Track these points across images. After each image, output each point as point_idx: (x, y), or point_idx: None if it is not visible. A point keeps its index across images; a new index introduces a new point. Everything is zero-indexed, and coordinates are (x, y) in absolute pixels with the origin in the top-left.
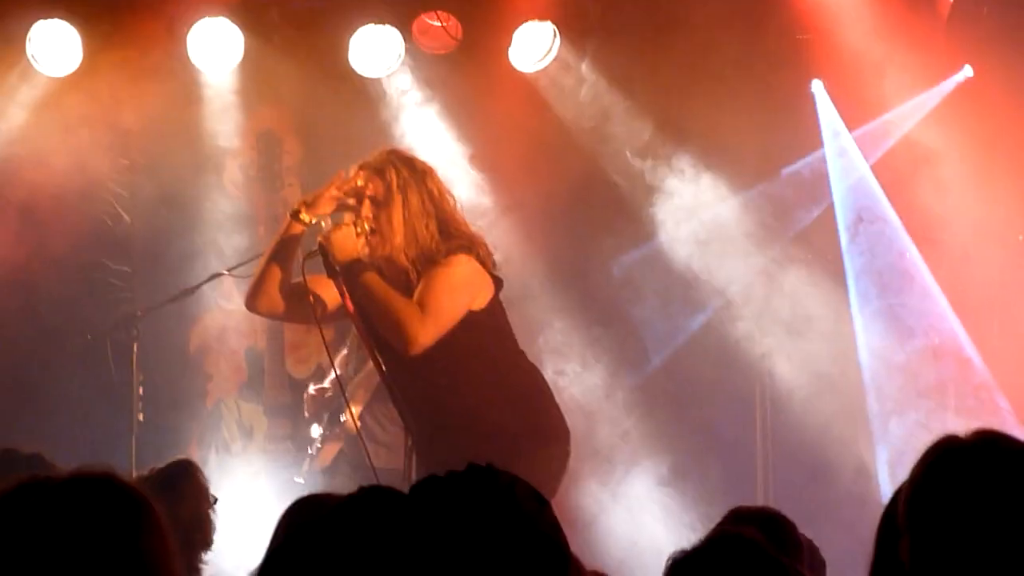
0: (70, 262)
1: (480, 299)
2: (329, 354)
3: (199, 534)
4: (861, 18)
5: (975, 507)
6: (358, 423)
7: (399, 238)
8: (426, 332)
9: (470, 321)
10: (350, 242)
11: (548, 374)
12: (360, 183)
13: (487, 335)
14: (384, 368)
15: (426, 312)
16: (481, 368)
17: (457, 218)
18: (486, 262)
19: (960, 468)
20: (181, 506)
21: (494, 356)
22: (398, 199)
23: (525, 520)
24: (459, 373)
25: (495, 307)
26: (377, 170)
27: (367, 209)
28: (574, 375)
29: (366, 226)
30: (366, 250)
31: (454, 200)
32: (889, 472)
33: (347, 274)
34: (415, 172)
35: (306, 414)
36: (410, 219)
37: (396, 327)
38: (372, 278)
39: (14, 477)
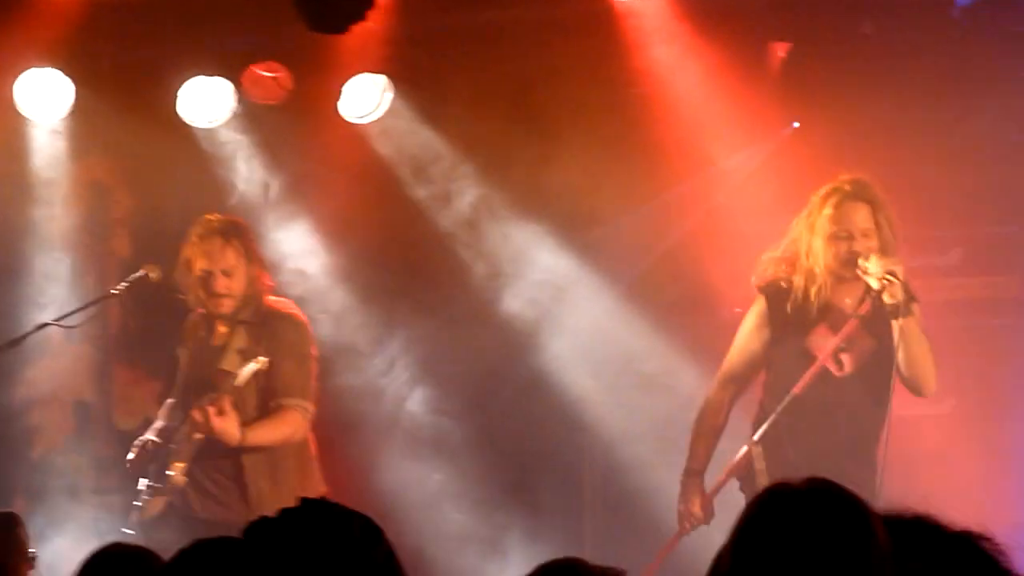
0: None
1: None
2: None
3: None
4: (694, 72)
5: (798, 551)
6: (185, 476)
7: None
8: None
9: None
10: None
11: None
12: None
13: None
14: None
15: None
16: None
17: None
18: None
19: (786, 513)
20: None
21: None
22: None
23: (361, 549)
24: None
25: None
26: None
27: None
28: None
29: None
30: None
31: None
32: None
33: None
34: None
35: (128, 466)
36: None
37: None
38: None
39: None
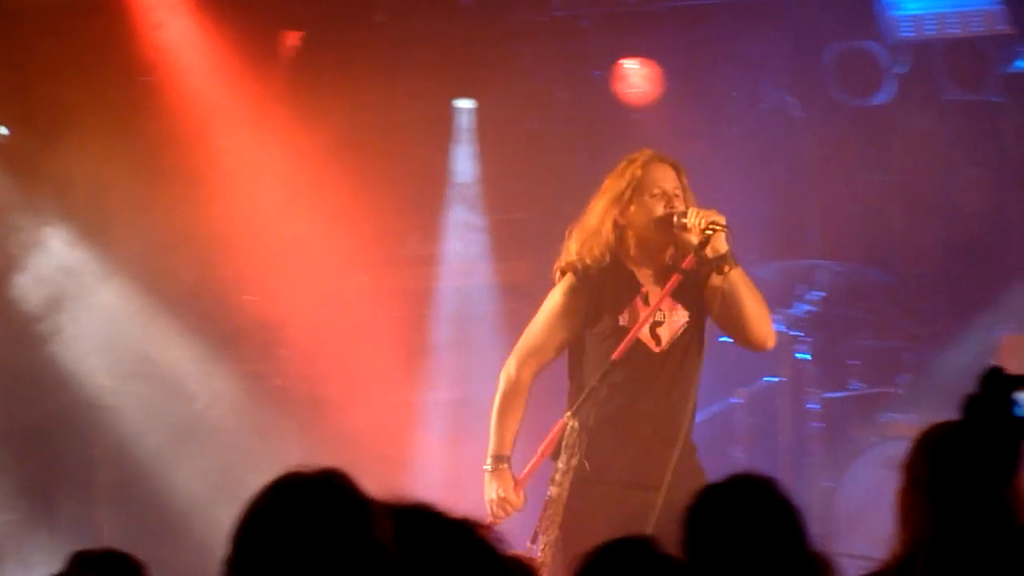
0: None
1: None
2: None
3: None
4: (204, 61)
5: (297, 541)
6: None
7: None
8: None
9: None
10: None
11: None
12: None
13: None
14: None
15: None
16: None
17: None
18: None
19: (290, 503)
20: None
21: None
22: None
23: None
24: None
25: None
26: None
27: None
28: None
29: None
30: None
31: None
32: None
33: None
34: None
35: None
36: None
37: None
38: None
39: None
